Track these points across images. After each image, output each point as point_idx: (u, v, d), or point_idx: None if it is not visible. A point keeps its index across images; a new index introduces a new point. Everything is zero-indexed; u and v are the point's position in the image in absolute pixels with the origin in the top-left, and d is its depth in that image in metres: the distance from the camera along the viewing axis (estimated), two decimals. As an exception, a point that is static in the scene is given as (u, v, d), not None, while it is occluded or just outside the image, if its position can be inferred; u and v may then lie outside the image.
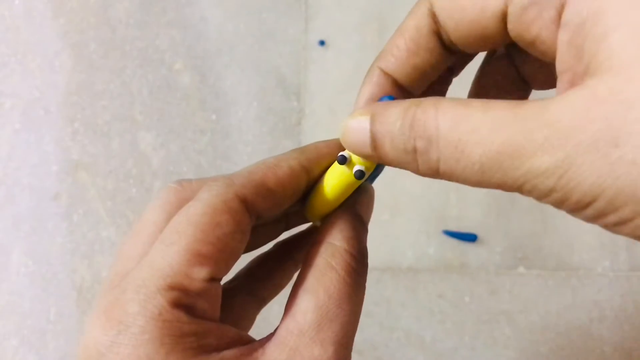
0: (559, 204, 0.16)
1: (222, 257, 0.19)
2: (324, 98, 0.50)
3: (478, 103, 0.17)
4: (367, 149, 0.20)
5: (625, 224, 0.15)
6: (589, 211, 0.16)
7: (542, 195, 0.16)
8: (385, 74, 0.22)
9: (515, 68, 0.24)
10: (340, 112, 0.50)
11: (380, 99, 0.22)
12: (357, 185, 0.22)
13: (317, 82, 0.51)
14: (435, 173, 0.18)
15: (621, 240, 0.47)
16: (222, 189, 0.20)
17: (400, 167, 0.19)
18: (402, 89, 0.22)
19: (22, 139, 0.51)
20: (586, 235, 0.47)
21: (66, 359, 0.47)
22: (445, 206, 0.48)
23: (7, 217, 0.50)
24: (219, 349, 0.18)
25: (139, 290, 0.18)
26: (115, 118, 0.51)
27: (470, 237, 0.47)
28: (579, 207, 0.16)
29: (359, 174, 0.21)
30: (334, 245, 0.21)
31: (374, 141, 0.19)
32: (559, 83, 0.18)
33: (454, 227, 0.48)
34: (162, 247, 0.19)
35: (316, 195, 0.23)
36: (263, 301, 0.26)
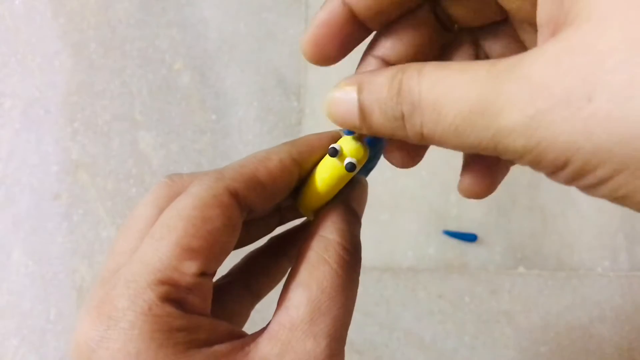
0: (535, 166, 0.15)
1: (212, 251, 0.19)
2: (324, 98, 0.50)
3: (457, 65, 0.16)
4: (355, 120, 0.19)
5: (603, 184, 0.14)
6: (566, 173, 0.15)
7: (516, 157, 0.15)
8: (344, 2, 0.21)
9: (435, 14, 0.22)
10: (340, 112, 0.50)
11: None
12: (349, 178, 0.22)
13: (317, 82, 0.51)
14: (420, 138, 0.17)
15: (621, 240, 0.47)
16: (212, 182, 0.20)
17: (390, 136, 0.19)
18: (358, 22, 0.22)
19: (22, 139, 0.51)
20: (586, 235, 0.47)
21: (66, 359, 0.47)
22: (445, 206, 0.48)
23: (7, 217, 0.50)
24: (210, 343, 0.18)
25: (129, 285, 0.18)
26: (115, 118, 0.51)
27: (470, 237, 0.47)
28: (555, 169, 0.15)
29: (350, 167, 0.21)
30: (327, 239, 0.21)
31: (362, 110, 0.19)
32: (539, 36, 0.18)
33: (454, 227, 0.48)
34: (152, 242, 0.19)
35: (308, 189, 0.23)
36: (258, 296, 0.26)
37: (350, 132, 0.21)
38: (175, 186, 0.21)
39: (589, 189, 0.15)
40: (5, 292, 0.48)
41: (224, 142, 0.50)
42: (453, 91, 0.16)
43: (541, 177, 0.54)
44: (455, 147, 0.17)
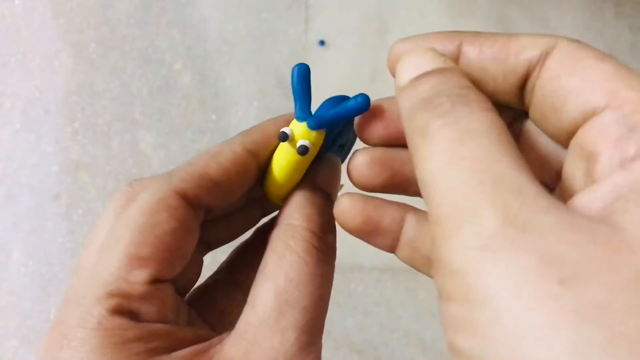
0: None
1: (164, 256, 0.18)
2: (323, 98, 0.50)
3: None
4: None
5: None
6: None
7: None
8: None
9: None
10: (340, 112, 0.50)
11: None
12: (307, 162, 0.21)
13: (317, 82, 0.51)
14: None
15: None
16: (160, 186, 0.19)
17: None
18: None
19: (22, 139, 0.51)
20: (586, 235, 0.47)
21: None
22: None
23: (7, 217, 0.50)
24: (170, 350, 0.18)
25: (80, 302, 0.18)
26: (115, 118, 0.51)
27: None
28: None
29: (302, 150, 0.19)
30: (292, 225, 0.20)
31: None
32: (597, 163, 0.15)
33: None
34: (102, 255, 0.18)
35: (269, 178, 0.21)
36: (247, 291, 0.25)
37: (303, 118, 0.20)
38: (135, 192, 0.20)
39: None
40: (5, 292, 0.48)
41: (224, 142, 0.50)
42: None
43: (541, 177, 0.53)
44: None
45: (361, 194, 0.20)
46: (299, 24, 0.52)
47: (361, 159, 0.19)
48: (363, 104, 0.19)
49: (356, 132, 0.20)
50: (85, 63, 0.52)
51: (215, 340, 0.19)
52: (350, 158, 0.20)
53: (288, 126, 0.20)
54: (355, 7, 0.52)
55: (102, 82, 0.52)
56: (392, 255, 0.20)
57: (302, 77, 0.20)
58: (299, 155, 0.20)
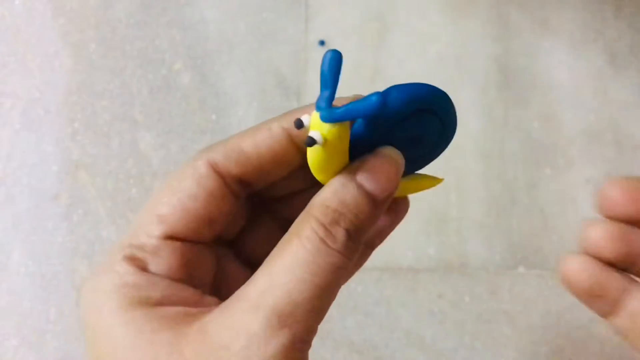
0: None
1: (181, 216, 0.20)
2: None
3: None
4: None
5: None
6: None
7: None
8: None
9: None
10: (340, 112, 0.50)
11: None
12: (331, 153, 0.19)
13: (317, 82, 0.51)
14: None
15: (621, 240, 0.47)
16: (197, 154, 0.21)
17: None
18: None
19: (22, 139, 0.51)
20: (586, 235, 0.47)
21: (66, 359, 0.47)
22: (445, 206, 0.48)
23: (7, 217, 0.50)
24: (161, 304, 0.19)
25: (112, 249, 0.20)
26: (115, 118, 0.51)
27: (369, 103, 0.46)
28: None
29: (309, 141, 0.18)
30: (307, 213, 0.19)
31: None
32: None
33: (454, 227, 0.48)
34: (140, 213, 0.21)
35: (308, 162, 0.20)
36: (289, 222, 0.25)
37: (318, 108, 0.18)
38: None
39: None
40: (5, 292, 0.48)
41: (224, 142, 0.50)
42: None
43: (541, 177, 0.55)
44: None
45: (590, 257, 0.21)
46: (299, 24, 0.52)
47: (600, 231, 0.21)
48: (373, 104, 0.18)
49: (598, 205, 0.20)
50: (85, 63, 0.52)
51: (206, 309, 0.19)
52: (590, 226, 0.21)
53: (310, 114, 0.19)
54: (355, 7, 0.52)
55: (102, 82, 0.52)
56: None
57: (333, 64, 0.18)
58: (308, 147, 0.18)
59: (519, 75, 0.51)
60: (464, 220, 0.48)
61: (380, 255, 0.49)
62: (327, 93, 0.18)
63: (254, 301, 0.18)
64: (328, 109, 0.18)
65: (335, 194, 0.19)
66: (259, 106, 0.51)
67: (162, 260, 0.20)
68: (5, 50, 0.53)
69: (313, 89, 0.50)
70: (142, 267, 0.20)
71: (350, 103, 0.18)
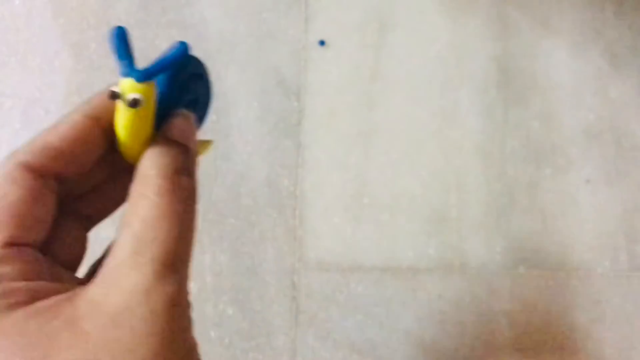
0: None
1: (16, 222, 0.21)
2: (324, 98, 0.50)
3: None
4: None
5: None
6: None
7: None
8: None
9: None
10: (341, 112, 0.50)
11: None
12: (147, 116, 0.21)
13: (317, 82, 0.51)
14: None
15: (621, 240, 0.47)
16: (4, 161, 0.22)
17: None
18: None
19: (22, 139, 0.51)
20: (586, 235, 0.47)
21: None
22: (445, 206, 0.48)
23: (7, 217, 0.50)
24: (29, 303, 0.19)
25: None
26: (115, 118, 0.51)
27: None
28: None
29: (133, 102, 0.20)
30: (145, 175, 0.21)
31: None
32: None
33: (454, 227, 0.48)
34: None
35: (118, 139, 0.22)
36: (90, 220, 0.26)
37: (127, 74, 0.20)
38: None
39: None
40: (5, 292, 0.48)
41: (224, 142, 0.50)
42: None
43: (541, 176, 0.55)
44: None
45: None
46: (299, 24, 0.52)
47: None
48: (181, 50, 0.20)
49: None
50: (85, 63, 0.52)
51: (77, 289, 0.20)
52: None
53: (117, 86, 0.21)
54: (355, 7, 0.52)
55: (102, 82, 0.52)
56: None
57: (121, 38, 0.20)
58: (133, 109, 0.20)
59: (519, 75, 0.51)
60: (464, 220, 0.48)
61: (380, 255, 0.49)
62: (126, 62, 0.20)
63: (131, 263, 0.19)
64: (139, 70, 0.20)
65: (166, 155, 0.21)
66: (259, 106, 0.51)
67: (7, 267, 0.20)
68: (5, 50, 0.53)
69: (313, 89, 0.50)
70: None
71: (158, 58, 0.21)
